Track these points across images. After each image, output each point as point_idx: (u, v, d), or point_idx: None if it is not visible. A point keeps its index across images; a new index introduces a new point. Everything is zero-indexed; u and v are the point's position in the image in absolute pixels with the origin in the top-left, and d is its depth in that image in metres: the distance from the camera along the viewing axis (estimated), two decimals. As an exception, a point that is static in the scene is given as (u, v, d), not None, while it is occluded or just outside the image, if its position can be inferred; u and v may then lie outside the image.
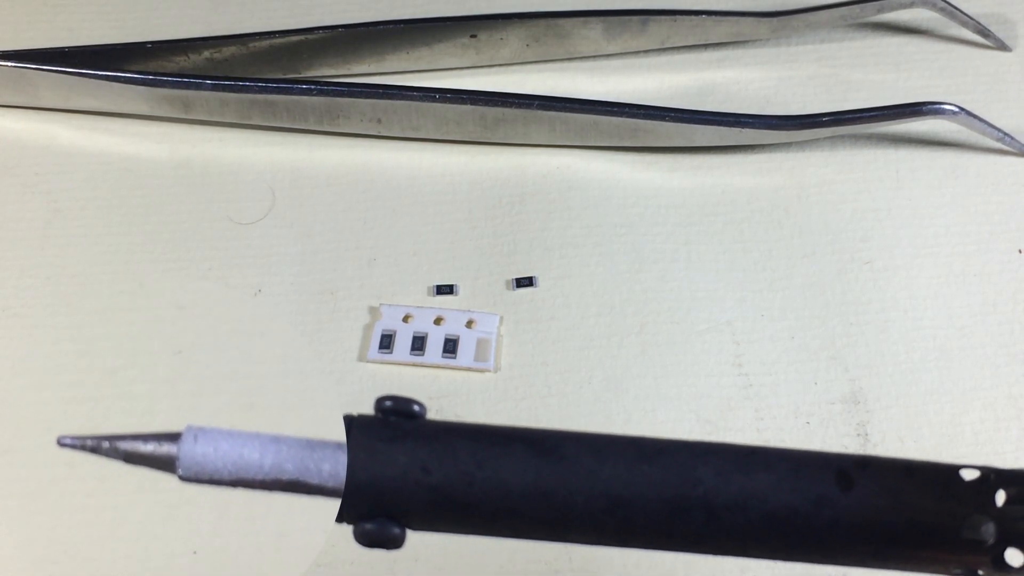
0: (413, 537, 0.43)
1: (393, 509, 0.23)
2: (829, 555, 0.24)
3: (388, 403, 0.24)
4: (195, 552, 0.41)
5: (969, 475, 0.24)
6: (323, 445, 0.25)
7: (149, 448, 0.25)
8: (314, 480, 0.24)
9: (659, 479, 0.23)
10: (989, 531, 0.23)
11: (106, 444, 0.25)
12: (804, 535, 0.23)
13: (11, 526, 0.42)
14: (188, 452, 0.25)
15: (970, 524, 0.23)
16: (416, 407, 0.24)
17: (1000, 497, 0.23)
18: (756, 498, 0.23)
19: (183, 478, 0.25)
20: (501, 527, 0.24)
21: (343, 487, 0.24)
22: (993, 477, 0.23)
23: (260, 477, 0.25)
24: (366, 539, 0.24)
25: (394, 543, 0.24)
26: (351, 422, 0.24)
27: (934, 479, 0.24)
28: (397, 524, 0.24)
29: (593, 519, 0.23)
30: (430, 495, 0.23)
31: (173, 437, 0.25)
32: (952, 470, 0.24)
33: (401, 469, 0.23)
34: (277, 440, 0.25)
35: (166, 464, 0.25)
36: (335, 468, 0.24)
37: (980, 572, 0.23)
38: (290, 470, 0.24)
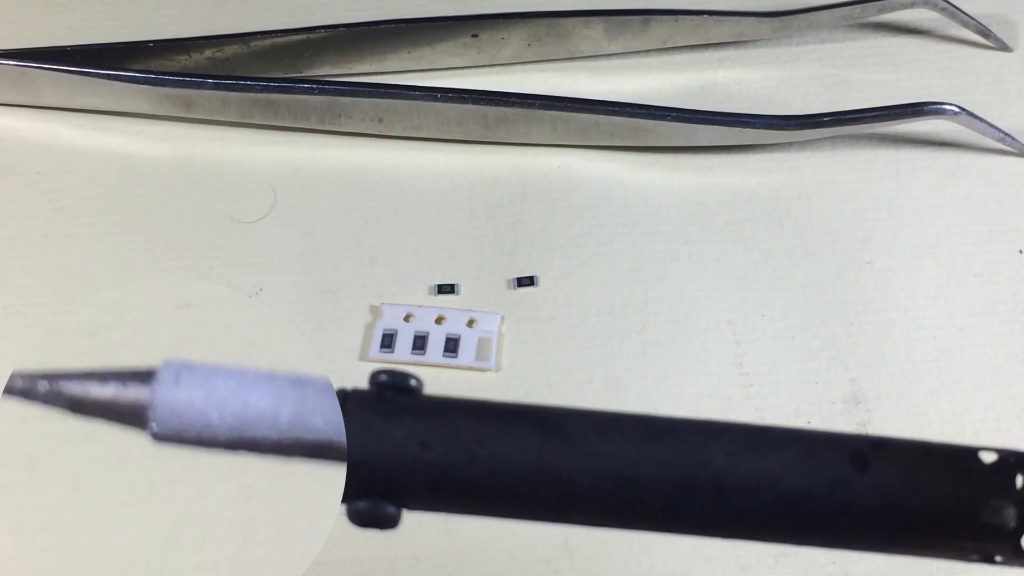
0: (414, 536, 0.43)
1: (388, 487, 0.22)
2: (843, 539, 0.23)
3: (383, 377, 0.23)
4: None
5: (988, 457, 0.23)
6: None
7: (109, 391, 0.18)
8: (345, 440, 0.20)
9: (667, 458, 0.23)
10: (1010, 516, 0.22)
11: (44, 385, 0.18)
12: (817, 518, 0.23)
13: None
14: (167, 398, 0.18)
15: (991, 508, 0.22)
16: (413, 381, 0.23)
17: (1019, 481, 0.22)
18: (768, 479, 0.22)
19: (158, 436, 0.18)
20: (502, 507, 0.23)
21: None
22: (1013, 460, 0.23)
23: (275, 436, 0.19)
24: (359, 518, 0.22)
25: (389, 522, 0.22)
26: (345, 396, 0.23)
27: (952, 461, 0.23)
28: (392, 503, 0.22)
29: (598, 499, 0.23)
30: (428, 472, 0.22)
31: (145, 376, 0.18)
32: (970, 452, 0.23)
33: (398, 445, 0.22)
34: (299, 383, 0.19)
35: (133, 415, 0.18)
36: None
37: (998, 558, 0.23)
38: (319, 427, 0.20)
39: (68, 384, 0.18)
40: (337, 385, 0.22)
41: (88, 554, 0.39)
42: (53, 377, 0.18)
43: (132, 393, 0.18)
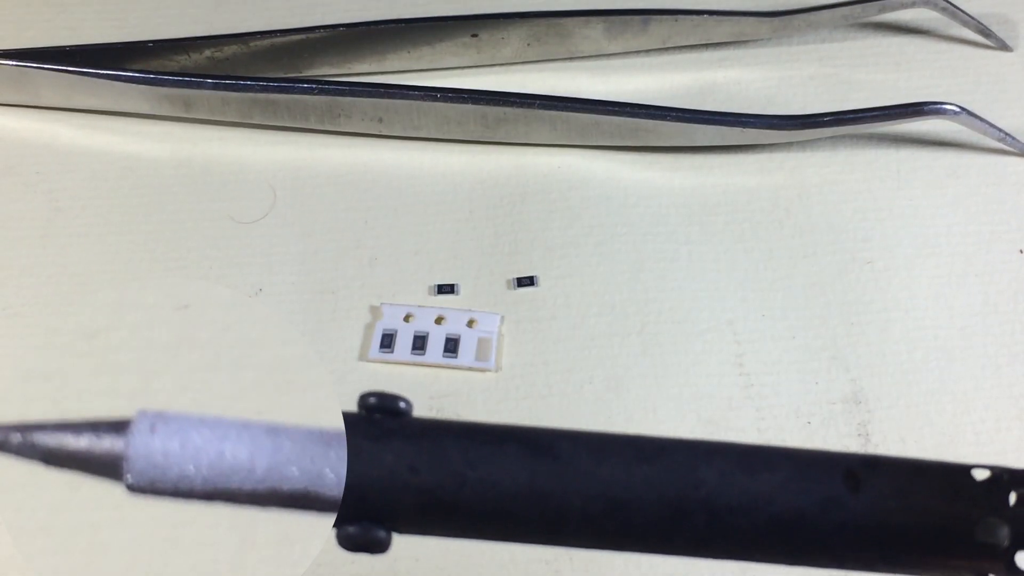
0: (413, 537, 0.43)
1: (378, 511, 0.22)
2: (837, 559, 0.23)
3: (372, 400, 0.23)
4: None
5: (980, 475, 0.23)
6: (326, 437, 0.20)
7: (84, 443, 0.18)
8: (327, 490, 0.20)
9: (659, 480, 0.22)
10: (1003, 534, 0.22)
11: (16, 437, 0.18)
12: (811, 538, 0.23)
13: None
14: (142, 449, 0.18)
15: (984, 527, 0.22)
16: (402, 404, 0.23)
17: (1012, 498, 0.22)
18: (761, 500, 0.22)
19: (133, 488, 0.18)
20: (493, 530, 0.23)
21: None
22: (1006, 477, 0.23)
23: (250, 487, 0.19)
24: (349, 543, 0.22)
25: (379, 547, 0.22)
26: None
27: (945, 479, 0.23)
28: (382, 527, 0.22)
29: (590, 522, 0.23)
30: (418, 496, 0.22)
31: (119, 427, 0.18)
32: (963, 470, 0.23)
33: (387, 469, 0.22)
34: (274, 432, 0.19)
35: (108, 467, 0.18)
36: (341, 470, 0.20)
37: None
38: (295, 476, 0.20)
39: (42, 435, 0.18)
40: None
41: (88, 554, 0.39)
42: (26, 429, 0.18)
43: (107, 444, 0.18)
